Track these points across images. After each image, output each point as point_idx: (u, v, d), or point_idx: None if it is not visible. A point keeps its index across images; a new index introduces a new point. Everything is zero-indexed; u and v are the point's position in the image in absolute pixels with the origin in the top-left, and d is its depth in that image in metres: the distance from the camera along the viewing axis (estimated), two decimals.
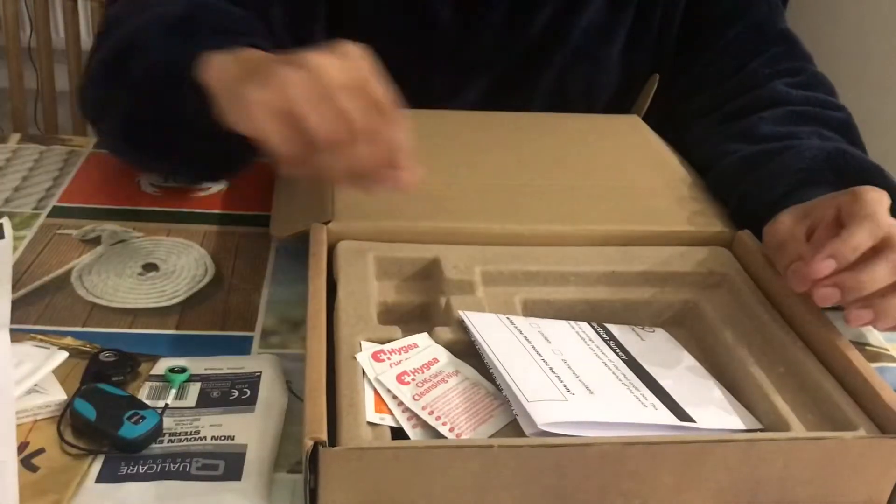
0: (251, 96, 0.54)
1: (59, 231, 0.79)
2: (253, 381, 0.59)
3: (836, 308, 0.62)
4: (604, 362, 0.59)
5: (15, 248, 0.75)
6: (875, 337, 0.74)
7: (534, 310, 0.65)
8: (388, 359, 0.56)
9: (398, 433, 0.51)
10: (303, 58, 0.54)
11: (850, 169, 0.75)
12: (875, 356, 0.71)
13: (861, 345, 0.72)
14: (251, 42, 0.66)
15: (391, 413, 0.52)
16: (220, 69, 0.61)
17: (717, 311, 0.65)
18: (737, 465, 0.51)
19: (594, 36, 0.95)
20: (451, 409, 0.52)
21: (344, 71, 0.54)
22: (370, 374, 0.54)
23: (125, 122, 0.76)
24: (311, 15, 0.88)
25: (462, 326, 0.59)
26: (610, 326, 0.64)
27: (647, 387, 0.57)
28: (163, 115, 0.72)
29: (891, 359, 0.71)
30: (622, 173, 0.81)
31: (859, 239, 0.60)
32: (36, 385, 0.56)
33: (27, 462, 0.52)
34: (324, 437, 0.47)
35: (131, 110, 0.75)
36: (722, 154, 0.82)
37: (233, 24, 0.73)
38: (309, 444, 0.47)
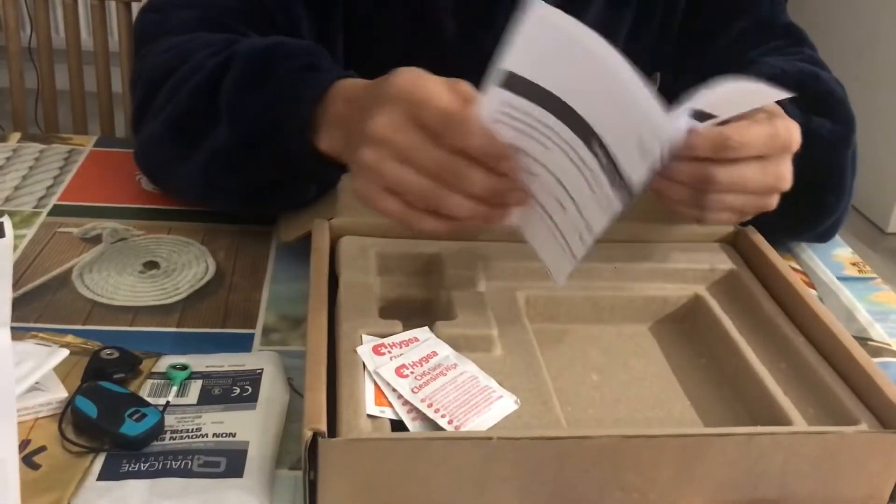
0: (354, 185, 0.59)
1: (59, 229, 0.79)
2: (254, 378, 0.59)
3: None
4: None
5: (16, 247, 0.75)
6: (877, 332, 0.74)
7: (536, 306, 0.65)
8: (389, 352, 0.56)
9: (398, 426, 0.51)
10: (368, 128, 0.56)
11: (815, 89, 0.77)
12: (877, 351, 0.71)
13: (863, 340, 0.72)
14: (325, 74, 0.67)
15: (391, 406, 0.52)
16: (329, 139, 0.65)
17: (721, 307, 0.65)
18: (737, 458, 0.51)
19: None
20: (449, 401, 0.52)
21: (398, 121, 0.55)
22: (370, 366, 0.54)
23: (203, 176, 0.75)
24: (331, 28, 0.88)
25: None
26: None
27: None
28: (257, 168, 0.72)
29: (892, 353, 0.71)
30: None
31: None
32: (37, 383, 0.56)
33: (28, 460, 0.52)
34: (323, 428, 0.47)
35: (214, 167, 0.74)
36: None
37: (302, 58, 0.71)
38: (308, 434, 0.47)
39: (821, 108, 0.77)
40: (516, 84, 0.52)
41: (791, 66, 0.81)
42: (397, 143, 0.55)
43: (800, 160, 0.65)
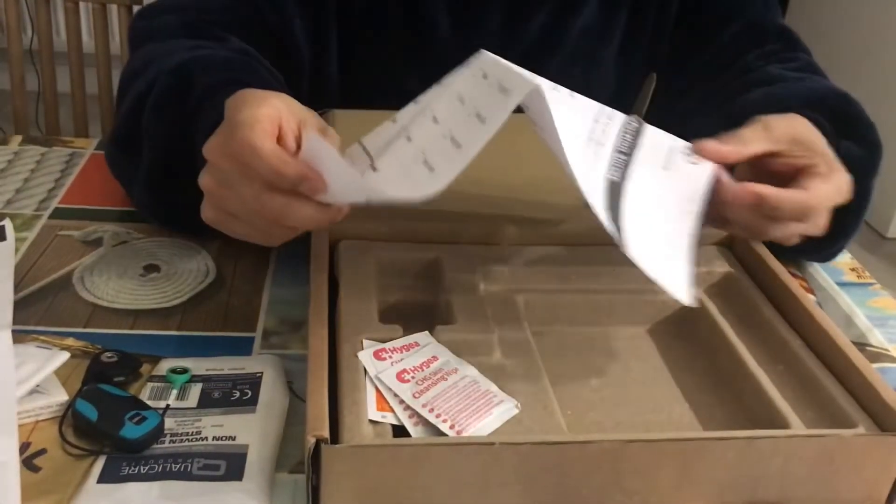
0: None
1: (60, 232, 0.79)
2: (254, 381, 0.60)
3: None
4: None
5: (17, 250, 0.75)
6: (876, 338, 0.74)
7: (535, 309, 0.65)
8: (390, 357, 0.56)
9: (400, 431, 0.52)
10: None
11: (847, 114, 0.77)
12: (875, 357, 0.71)
13: (861, 345, 0.72)
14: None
15: (393, 411, 0.52)
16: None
17: (719, 310, 0.66)
18: (736, 462, 0.51)
19: (589, 38, 0.95)
20: (451, 406, 0.52)
21: (227, 156, 0.55)
22: (371, 372, 0.55)
23: (143, 194, 0.77)
24: (325, 25, 0.89)
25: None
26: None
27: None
28: (176, 188, 0.71)
29: (891, 359, 0.71)
30: None
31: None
32: (38, 386, 0.56)
33: (29, 462, 0.52)
34: (326, 434, 0.47)
35: (143, 186, 0.76)
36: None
37: (225, 74, 0.72)
38: (311, 441, 0.47)
39: (850, 132, 0.75)
40: None
41: (817, 85, 0.80)
42: (222, 167, 0.55)
43: None
